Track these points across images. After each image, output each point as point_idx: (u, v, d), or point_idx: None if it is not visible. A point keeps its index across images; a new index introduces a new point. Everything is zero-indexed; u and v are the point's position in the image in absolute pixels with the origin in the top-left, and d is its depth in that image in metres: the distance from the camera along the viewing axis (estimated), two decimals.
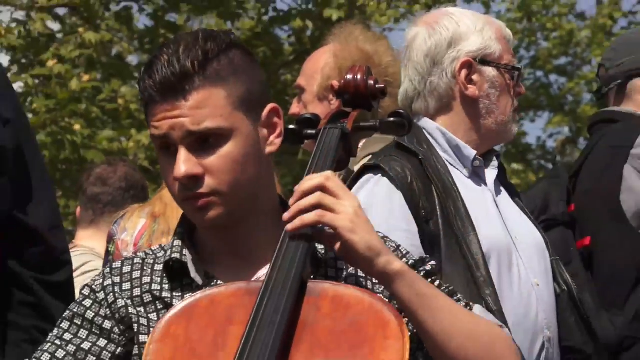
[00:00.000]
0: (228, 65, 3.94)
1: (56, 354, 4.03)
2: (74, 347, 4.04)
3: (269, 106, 4.05)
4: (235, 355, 3.64)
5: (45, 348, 4.06)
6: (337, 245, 3.81)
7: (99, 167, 8.48)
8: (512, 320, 5.15)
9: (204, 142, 3.89)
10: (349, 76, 4.29)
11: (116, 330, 4.04)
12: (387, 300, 3.88)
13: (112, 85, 19.45)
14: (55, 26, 20.35)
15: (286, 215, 3.81)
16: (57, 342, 4.05)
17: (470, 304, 4.17)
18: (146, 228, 6.30)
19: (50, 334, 4.11)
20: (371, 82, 4.30)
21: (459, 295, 4.16)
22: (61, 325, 4.10)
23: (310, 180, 3.83)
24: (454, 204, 5.30)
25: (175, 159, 3.89)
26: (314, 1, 21.50)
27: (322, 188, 3.82)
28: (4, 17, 19.53)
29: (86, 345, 4.04)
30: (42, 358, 4.05)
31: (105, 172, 8.00)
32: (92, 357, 4.04)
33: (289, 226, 3.79)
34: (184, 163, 3.86)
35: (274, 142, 4.07)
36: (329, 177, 3.85)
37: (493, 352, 3.97)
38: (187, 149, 3.88)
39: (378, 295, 3.86)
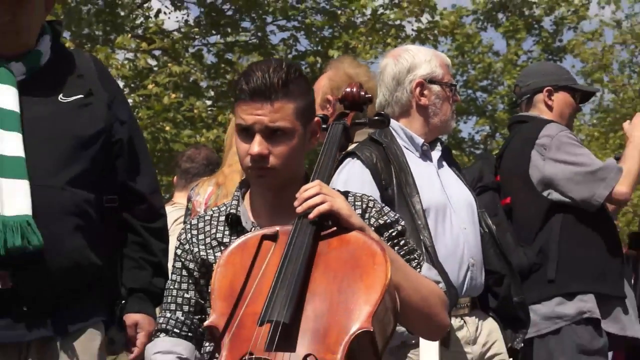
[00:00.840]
0: (297, 87, 3.97)
1: (177, 300, 4.11)
2: (183, 296, 4.12)
3: (316, 119, 4.12)
4: (275, 274, 3.68)
5: (168, 300, 4.15)
6: (332, 214, 3.84)
7: (189, 150, 8.50)
8: (444, 253, 5.23)
9: (272, 134, 3.92)
10: (348, 89, 4.37)
11: (196, 268, 4.09)
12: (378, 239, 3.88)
13: (190, 101, 19.35)
14: (152, 62, 20.18)
15: (296, 203, 3.86)
16: (174, 291, 4.14)
17: (421, 263, 4.16)
18: (213, 193, 6.28)
19: (167, 285, 4.19)
20: (362, 93, 4.37)
21: (416, 254, 4.15)
22: (172, 278, 4.17)
23: (311, 185, 3.91)
24: (405, 176, 5.30)
25: (251, 141, 3.93)
26: (321, 45, 21.35)
27: (319, 185, 3.88)
28: (120, 56, 19.35)
29: (185, 287, 4.12)
30: (170, 303, 4.14)
31: (193, 153, 8.07)
32: (192, 292, 4.11)
33: (299, 209, 3.84)
34: (258, 145, 3.91)
35: (312, 142, 4.12)
36: (320, 182, 3.92)
37: (428, 301, 3.97)
38: (261, 136, 3.92)
39: (369, 235, 3.84)
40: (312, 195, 3.84)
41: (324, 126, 4.26)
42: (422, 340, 4.34)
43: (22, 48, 4.40)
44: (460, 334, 5.27)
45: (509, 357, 5.54)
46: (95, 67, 4.62)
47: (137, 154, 4.63)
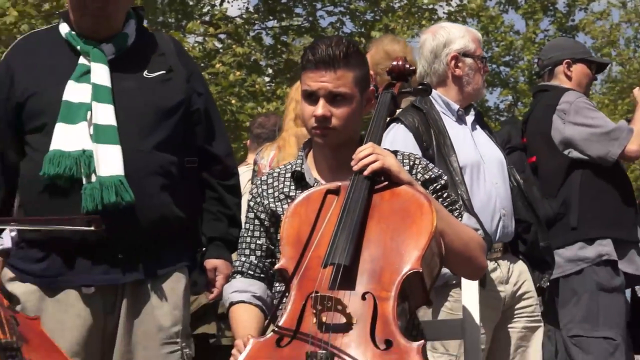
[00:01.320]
0: (356, 59, 3.99)
1: (251, 246, 4.12)
2: (255, 243, 4.13)
3: (370, 88, 4.11)
4: (336, 222, 3.68)
5: (242, 246, 4.18)
6: (384, 171, 3.83)
7: (260, 118, 8.48)
8: (479, 205, 5.21)
9: (334, 98, 3.93)
10: (394, 63, 4.33)
11: (267, 218, 4.10)
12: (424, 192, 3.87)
13: (251, 78, 19.35)
14: (219, 44, 20.17)
15: (353, 162, 3.86)
16: (248, 238, 4.16)
17: (462, 213, 4.14)
18: (275, 156, 6.26)
19: (241, 234, 4.22)
20: (407, 65, 4.33)
21: (457, 205, 4.14)
22: (246, 226, 4.18)
23: (365, 146, 3.90)
24: (443, 138, 5.27)
25: (315, 104, 3.95)
26: (364, 27, 21.28)
27: (372, 146, 3.87)
28: (190, 40, 19.34)
29: (257, 234, 4.13)
30: (244, 249, 4.16)
31: (264, 121, 8.03)
32: (263, 239, 4.13)
33: (355, 167, 3.83)
34: (322, 108, 3.93)
35: (366, 108, 4.11)
36: (373, 144, 3.91)
37: (469, 246, 3.96)
38: (325, 100, 3.93)
39: (417, 189, 3.83)
40: (367, 155, 3.83)
41: (376, 94, 4.22)
42: (463, 280, 4.31)
43: (112, 31, 4.40)
44: (494, 275, 5.26)
45: (537, 295, 5.53)
46: (174, 46, 4.62)
47: (213, 122, 4.62)
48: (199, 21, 20.20)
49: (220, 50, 19.59)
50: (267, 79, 21.25)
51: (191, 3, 20.86)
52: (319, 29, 21.52)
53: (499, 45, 26.58)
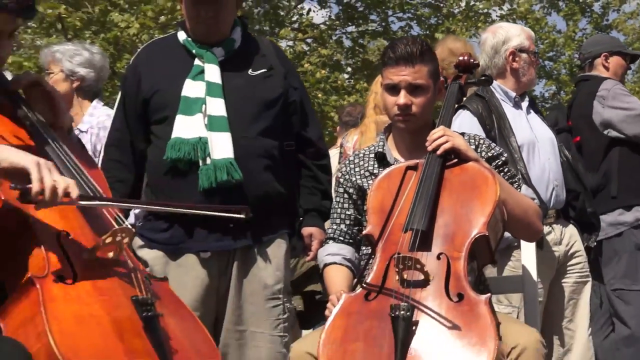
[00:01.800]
0: (429, 55, 3.98)
1: (341, 216, 4.11)
2: (345, 213, 4.12)
3: (440, 79, 4.08)
4: (414, 194, 3.68)
5: (334, 216, 4.16)
6: (454, 150, 3.81)
7: (349, 107, 8.45)
8: (535, 178, 5.17)
9: (414, 89, 3.92)
10: (461, 58, 4.31)
11: (354, 192, 4.09)
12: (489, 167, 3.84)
13: (334, 75, 19.48)
14: (306, 47, 20.18)
15: (427, 143, 3.83)
16: (339, 209, 4.14)
17: (521, 185, 4.14)
18: (358, 140, 6.25)
19: (332, 205, 4.21)
20: (472, 60, 4.31)
21: (516, 178, 4.12)
22: (336, 199, 4.17)
23: (437, 129, 3.87)
24: (503, 122, 5.23)
25: (397, 95, 3.93)
26: (429, 30, 21.18)
27: (444, 129, 3.84)
28: (282, 44, 19.36)
29: (346, 206, 4.12)
30: (335, 218, 4.15)
31: (351, 110, 7.98)
32: (352, 210, 4.11)
33: (429, 147, 3.81)
34: (403, 97, 3.92)
35: (438, 97, 4.08)
36: (444, 127, 3.89)
37: (527, 213, 3.93)
38: (406, 91, 3.91)
39: (482, 164, 3.80)
40: (439, 137, 3.82)
41: (446, 85, 4.20)
42: (522, 242, 4.28)
43: (221, 37, 4.41)
44: (549, 237, 5.23)
45: (586, 253, 5.50)
46: (273, 48, 4.62)
47: (306, 111, 4.62)
48: (289, 28, 20.28)
49: (308, 52, 19.62)
50: (346, 75, 21.20)
51: (282, 13, 20.90)
52: (390, 32, 21.45)
53: (543, 43, 26.24)
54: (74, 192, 2.75)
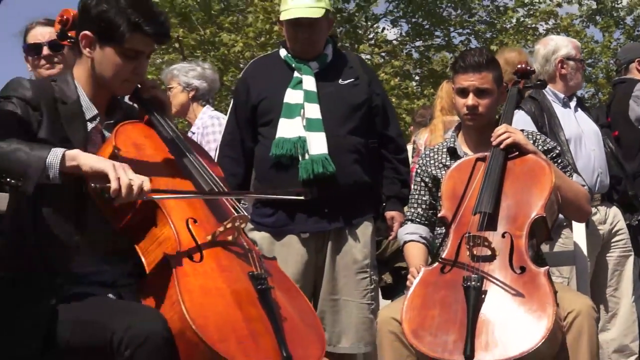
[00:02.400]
0: (493, 64, 3.91)
1: (418, 201, 4.06)
2: (421, 198, 4.06)
3: (503, 85, 3.99)
4: (482, 182, 3.63)
5: (412, 201, 4.10)
6: (515, 144, 3.75)
7: (421, 109, 8.28)
8: (582, 167, 5.05)
9: (481, 93, 3.86)
10: (520, 65, 4.24)
11: (430, 181, 4.03)
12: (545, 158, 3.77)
13: (405, 83, 19.45)
14: (381, 60, 20.11)
15: (492, 139, 3.77)
16: (416, 196, 4.08)
17: (572, 173, 4.07)
18: (428, 137, 6.19)
19: (411, 193, 4.15)
20: (529, 67, 4.24)
21: (568, 168, 4.05)
22: (414, 187, 4.11)
23: (501, 126, 3.81)
24: (553, 120, 5.12)
25: (466, 98, 3.87)
26: (485, 43, 20.99)
27: (506, 127, 3.79)
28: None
29: (423, 193, 4.06)
30: (413, 203, 4.09)
31: (423, 112, 7.75)
32: (427, 196, 4.05)
33: (494, 142, 3.76)
34: (471, 100, 3.86)
35: (501, 99, 4.00)
36: (506, 125, 3.83)
37: (578, 197, 3.85)
38: (474, 94, 3.85)
39: (540, 156, 3.74)
40: (502, 133, 3.76)
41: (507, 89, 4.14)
42: (574, 223, 4.20)
43: (316, 53, 4.40)
44: (594, 218, 5.11)
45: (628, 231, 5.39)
46: (359, 61, 4.60)
47: (388, 113, 4.57)
48: (367, 44, 20.24)
49: (382, 64, 19.54)
50: (415, 83, 21.10)
51: (361, 32, 20.88)
52: (452, 46, 21.33)
53: (583, 51, 25.79)
54: (147, 187, 2.73)
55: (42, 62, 4.11)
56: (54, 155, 2.70)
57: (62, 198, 2.85)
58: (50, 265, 2.86)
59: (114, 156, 2.85)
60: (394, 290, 4.73)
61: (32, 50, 4.12)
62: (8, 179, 2.69)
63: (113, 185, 2.68)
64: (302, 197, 3.30)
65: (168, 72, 5.94)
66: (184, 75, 5.77)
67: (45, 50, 4.10)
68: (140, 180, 2.70)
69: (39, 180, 2.67)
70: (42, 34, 4.12)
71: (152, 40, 2.97)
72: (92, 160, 2.74)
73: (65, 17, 3.10)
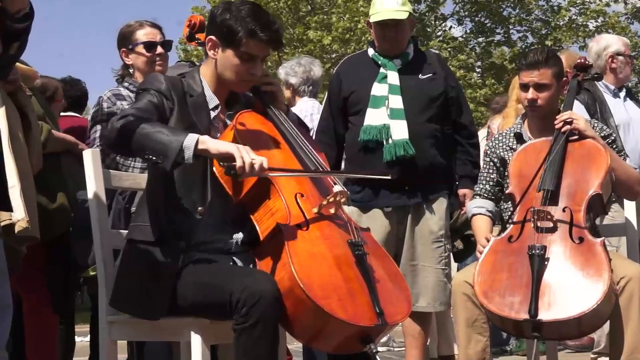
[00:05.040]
0: (553, 60, 3.83)
1: (487, 179, 4.02)
2: (490, 176, 3.99)
3: (564, 78, 3.93)
4: (546, 162, 3.61)
5: (480, 179, 4.05)
6: (577, 129, 3.72)
7: (497, 97, 8.11)
8: (630, 149, 4.94)
9: (539, 87, 3.80)
10: (579, 60, 4.17)
11: (498, 161, 3.97)
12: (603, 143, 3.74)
13: (469, 74, 19.24)
14: (447, 55, 19.95)
15: (555, 123, 3.73)
16: (485, 174, 4.04)
17: (625, 157, 3.98)
18: (501, 123, 6.08)
19: (480, 170, 4.10)
20: (586, 62, 4.17)
21: (622, 153, 3.98)
22: (484, 166, 4.07)
23: (563, 113, 3.77)
24: (604, 107, 5.08)
25: (527, 92, 3.81)
26: (540, 39, 20.63)
27: (568, 113, 3.74)
28: None
29: (491, 171, 4.01)
30: (482, 180, 4.03)
31: (499, 99, 7.43)
32: (494, 174, 3.97)
33: (557, 126, 3.72)
34: (531, 94, 3.80)
35: (562, 92, 3.95)
36: (570, 111, 3.79)
37: (629, 179, 3.78)
38: (534, 89, 3.80)
39: (598, 141, 3.71)
40: (566, 119, 3.72)
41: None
42: (625, 200, 4.16)
43: (399, 51, 4.40)
44: None
45: None
46: (437, 58, 4.58)
47: (461, 103, 4.54)
48: (436, 40, 20.06)
49: (449, 58, 19.35)
50: (477, 75, 20.84)
51: (430, 30, 20.71)
52: (511, 41, 21.03)
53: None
54: (266, 165, 2.77)
55: (157, 59, 4.13)
56: (190, 139, 2.76)
57: (189, 175, 2.95)
58: (178, 232, 2.94)
59: (235, 140, 2.92)
60: (464, 254, 4.73)
61: (148, 48, 4.13)
62: (151, 157, 2.78)
63: (238, 163, 2.73)
64: (388, 177, 3.32)
65: (278, 73, 6.07)
66: (284, 75, 5.88)
67: (159, 49, 4.15)
68: (260, 160, 2.76)
69: (177, 160, 2.75)
70: (154, 34, 4.16)
71: (266, 45, 3.02)
72: (219, 144, 2.81)
73: (193, 21, 3.27)
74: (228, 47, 3.01)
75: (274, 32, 3.01)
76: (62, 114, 5.34)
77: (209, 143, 2.79)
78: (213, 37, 3.05)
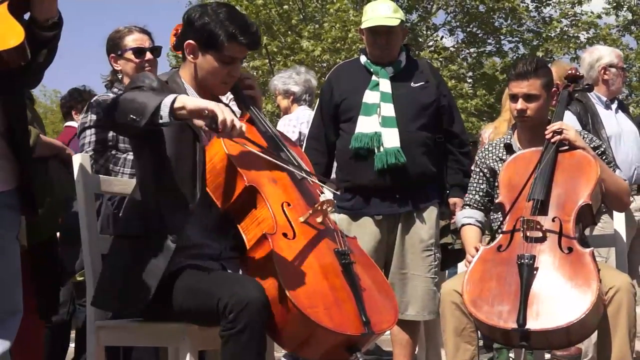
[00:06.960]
0: (542, 71, 3.81)
1: (476, 189, 3.99)
2: (479, 187, 3.99)
3: (553, 89, 3.89)
4: (535, 173, 3.59)
5: (470, 189, 4.02)
6: (567, 140, 3.69)
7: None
8: (620, 160, 4.98)
9: (528, 97, 3.77)
10: (570, 71, 4.13)
11: (487, 172, 3.95)
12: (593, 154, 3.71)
13: (460, 84, 19.27)
14: (439, 64, 20.02)
15: (546, 133, 3.71)
16: (474, 184, 4.01)
17: (615, 168, 3.98)
18: (493, 132, 6.03)
19: (470, 182, 4.04)
20: (578, 73, 4.14)
21: (612, 164, 3.96)
22: (473, 176, 4.04)
23: (553, 123, 3.74)
24: (596, 119, 5.07)
25: (516, 102, 3.79)
26: (531, 49, 20.66)
27: (559, 124, 3.71)
28: None
29: (481, 182, 3.98)
30: (471, 190, 4.00)
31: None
32: (484, 185, 3.97)
33: (548, 136, 3.69)
34: (520, 104, 3.77)
35: (551, 102, 3.92)
36: (562, 122, 3.76)
37: (619, 189, 3.77)
38: (523, 99, 3.77)
39: (588, 152, 3.68)
40: (556, 129, 3.70)
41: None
42: (614, 212, 4.14)
43: (391, 59, 4.38)
44: (631, 206, 4.91)
45: None
46: (428, 66, 4.57)
47: (453, 112, 4.52)
48: (427, 50, 20.07)
49: (440, 68, 19.38)
50: (468, 85, 20.87)
51: (421, 40, 20.74)
52: (502, 52, 21.07)
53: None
54: (244, 129, 2.71)
55: (146, 65, 4.09)
56: (169, 98, 2.69)
57: (180, 167, 2.88)
58: (165, 226, 2.86)
59: (224, 147, 2.90)
60: (448, 262, 4.70)
61: (137, 53, 4.10)
62: (131, 116, 2.69)
63: (220, 117, 2.64)
64: (338, 193, 3.19)
65: (271, 84, 6.11)
66: (282, 85, 5.84)
67: (148, 55, 4.12)
68: (240, 124, 2.69)
69: (153, 119, 2.66)
70: (142, 40, 4.13)
71: (246, 48, 3.01)
72: (198, 101, 2.74)
73: (180, 30, 3.17)
74: (208, 51, 3.00)
75: (253, 34, 3.00)
76: (66, 124, 5.29)
77: (187, 100, 2.71)
78: (192, 42, 3.02)
